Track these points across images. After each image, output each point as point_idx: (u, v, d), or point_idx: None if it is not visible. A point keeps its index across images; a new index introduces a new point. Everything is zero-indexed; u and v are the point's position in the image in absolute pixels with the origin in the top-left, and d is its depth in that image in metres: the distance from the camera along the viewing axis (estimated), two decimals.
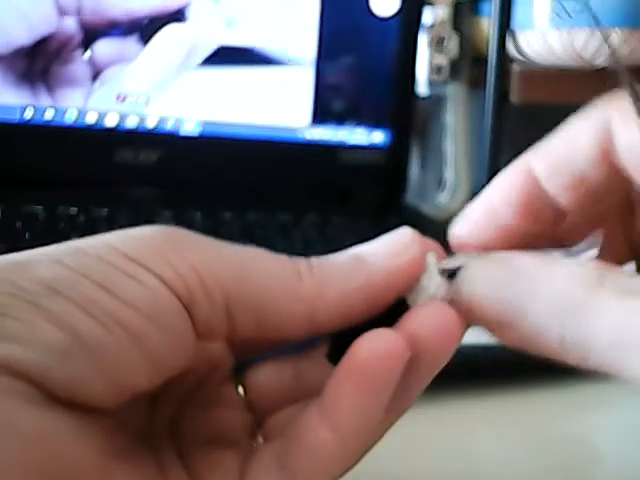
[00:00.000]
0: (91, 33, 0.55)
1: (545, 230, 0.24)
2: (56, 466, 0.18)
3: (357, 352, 0.21)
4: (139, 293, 0.19)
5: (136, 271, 0.19)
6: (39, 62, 0.54)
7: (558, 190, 0.23)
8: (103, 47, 0.55)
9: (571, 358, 0.21)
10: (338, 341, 0.22)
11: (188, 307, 0.20)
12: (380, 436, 0.23)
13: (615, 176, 0.23)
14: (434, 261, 0.23)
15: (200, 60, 0.57)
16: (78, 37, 0.55)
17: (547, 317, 0.20)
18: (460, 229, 0.25)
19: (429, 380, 0.23)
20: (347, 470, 0.22)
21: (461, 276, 0.22)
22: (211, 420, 0.23)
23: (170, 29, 0.56)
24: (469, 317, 0.22)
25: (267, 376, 0.24)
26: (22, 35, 0.53)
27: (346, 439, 0.21)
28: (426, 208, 0.67)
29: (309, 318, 0.21)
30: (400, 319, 0.22)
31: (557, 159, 0.23)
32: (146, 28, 0.56)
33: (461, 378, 0.38)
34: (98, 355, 0.18)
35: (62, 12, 0.54)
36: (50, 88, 0.55)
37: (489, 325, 0.22)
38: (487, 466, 0.33)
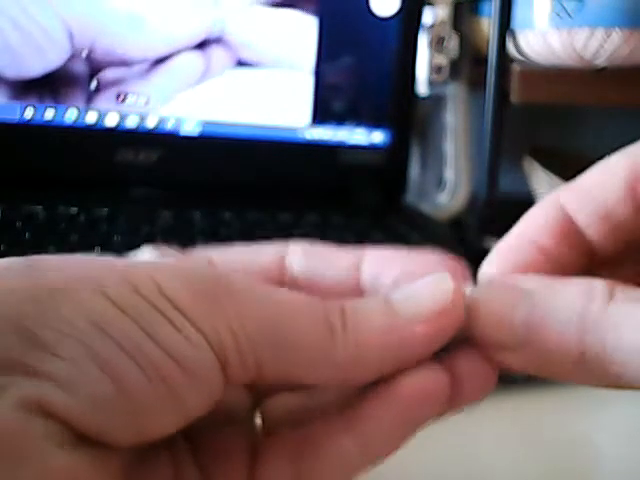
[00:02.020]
0: (100, 68, 0.55)
1: (578, 262, 0.24)
2: None
3: (402, 383, 0.21)
4: (183, 348, 0.19)
5: (181, 324, 0.19)
6: (46, 84, 0.55)
7: (588, 223, 0.24)
8: (110, 74, 0.56)
9: (590, 374, 0.21)
10: None
11: (222, 366, 0.20)
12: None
13: None
14: None
15: (215, 78, 0.57)
16: (86, 71, 0.55)
17: (564, 335, 0.20)
18: (491, 266, 0.24)
19: (460, 410, 0.23)
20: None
21: (468, 296, 0.22)
22: None
23: (185, 57, 0.57)
24: (478, 340, 0.22)
25: None
26: (35, 68, 0.54)
27: (367, 452, 0.21)
28: (426, 208, 0.67)
29: (340, 379, 0.21)
30: (441, 354, 0.22)
31: (587, 192, 0.23)
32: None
33: None
34: (137, 407, 0.18)
35: (75, 50, 0.54)
36: (52, 93, 0.55)
37: (500, 348, 0.22)
38: (487, 466, 0.33)
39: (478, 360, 0.22)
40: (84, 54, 0.54)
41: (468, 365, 0.22)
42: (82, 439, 0.18)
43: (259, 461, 0.21)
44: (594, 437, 0.38)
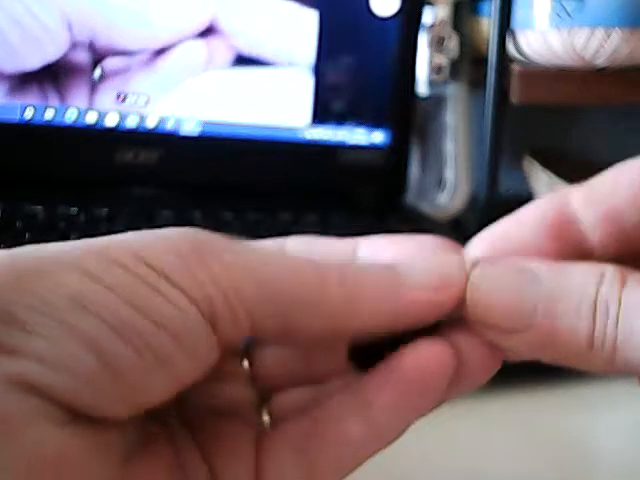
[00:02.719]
0: (102, 57, 0.55)
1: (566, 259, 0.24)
2: None
3: (406, 358, 0.20)
4: (169, 313, 0.19)
5: (165, 289, 0.19)
6: (46, 76, 0.55)
7: (592, 222, 0.23)
8: (112, 63, 0.56)
9: (598, 359, 0.20)
10: (366, 351, 0.22)
11: (212, 325, 0.19)
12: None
13: None
14: None
15: (219, 69, 0.57)
16: (88, 61, 0.55)
17: (574, 318, 0.20)
18: (478, 246, 0.24)
19: (467, 392, 0.22)
20: (360, 465, 0.22)
21: (473, 276, 0.21)
22: (217, 394, 0.23)
23: (187, 46, 0.57)
24: (482, 322, 0.21)
25: (275, 354, 0.23)
26: (33, 61, 0.54)
27: (376, 436, 0.21)
28: (426, 208, 0.67)
29: (334, 331, 0.21)
30: (443, 329, 0.21)
31: (598, 191, 0.23)
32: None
33: None
34: (125, 377, 0.18)
35: (74, 41, 0.54)
36: (55, 87, 0.55)
37: (505, 331, 0.21)
38: (487, 466, 0.33)
39: (482, 339, 0.21)
40: (85, 44, 0.54)
41: (472, 343, 0.21)
42: (73, 416, 0.18)
43: (265, 453, 0.21)
44: (594, 437, 0.38)
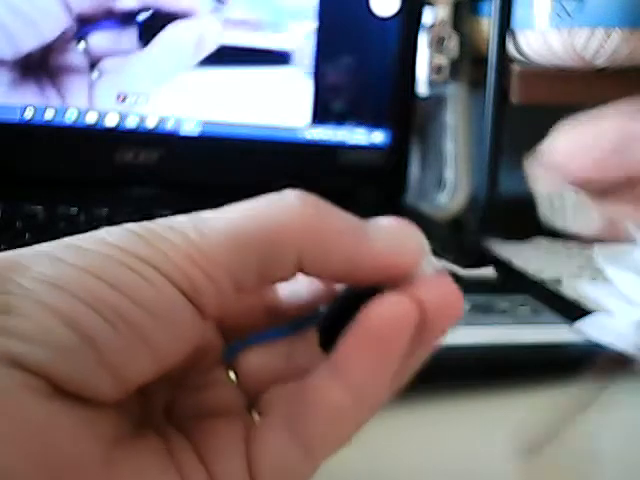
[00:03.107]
0: (87, 23, 0.55)
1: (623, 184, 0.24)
2: (60, 458, 0.18)
3: (372, 314, 0.21)
4: (144, 290, 0.19)
5: (139, 266, 0.19)
6: (38, 55, 0.54)
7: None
8: (98, 39, 0.56)
9: None
10: (328, 328, 0.23)
11: (192, 298, 0.20)
12: (386, 401, 0.23)
13: None
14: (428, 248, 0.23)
15: (208, 54, 0.57)
16: (74, 29, 0.55)
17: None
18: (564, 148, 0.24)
19: (433, 347, 0.23)
20: (355, 433, 0.22)
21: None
22: (206, 400, 0.23)
23: (176, 26, 0.56)
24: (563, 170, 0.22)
25: (258, 359, 0.24)
26: (30, 41, 0.54)
27: (358, 399, 0.21)
28: (426, 208, 0.67)
29: (301, 266, 0.21)
30: (404, 286, 0.22)
31: None
32: (145, 26, 0.56)
33: (460, 379, 0.38)
34: (103, 351, 0.18)
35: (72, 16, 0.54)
36: (52, 80, 0.55)
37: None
38: (486, 466, 0.33)
39: (440, 286, 0.22)
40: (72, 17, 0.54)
41: (431, 293, 0.22)
42: (61, 393, 0.18)
43: (256, 442, 0.21)
44: (594, 437, 0.38)
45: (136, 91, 0.57)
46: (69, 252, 0.19)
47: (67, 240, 0.20)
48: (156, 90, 0.57)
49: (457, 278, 0.22)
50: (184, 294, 0.20)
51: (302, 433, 0.21)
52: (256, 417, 0.23)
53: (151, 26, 0.56)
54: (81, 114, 0.56)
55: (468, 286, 0.24)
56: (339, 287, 0.24)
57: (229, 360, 0.24)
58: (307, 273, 0.22)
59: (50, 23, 0.54)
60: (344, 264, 0.21)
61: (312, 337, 0.24)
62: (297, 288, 0.25)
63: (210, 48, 0.57)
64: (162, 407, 0.23)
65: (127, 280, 0.19)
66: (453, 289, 0.22)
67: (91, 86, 0.56)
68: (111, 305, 0.19)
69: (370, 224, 0.22)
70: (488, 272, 0.24)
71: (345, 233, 0.22)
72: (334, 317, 0.23)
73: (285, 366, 0.24)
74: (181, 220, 0.21)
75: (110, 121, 0.57)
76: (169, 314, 0.19)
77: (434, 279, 0.22)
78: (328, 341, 0.22)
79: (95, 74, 0.56)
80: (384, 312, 0.21)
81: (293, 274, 0.22)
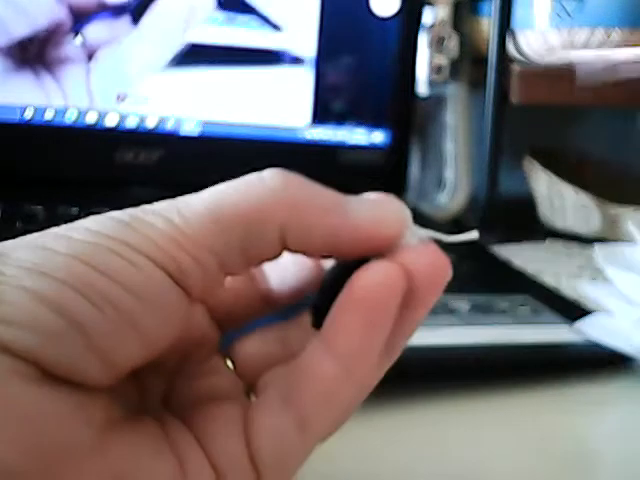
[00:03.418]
0: (81, 16, 0.55)
1: None
2: (50, 442, 0.18)
3: (358, 282, 0.21)
4: (132, 275, 0.19)
5: (127, 252, 0.19)
6: (34, 47, 0.54)
7: None
8: (94, 31, 0.56)
9: None
10: (319, 307, 0.23)
11: (178, 280, 0.20)
12: (378, 379, 0.23)
13: None
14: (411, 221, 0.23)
15: (200, 22, 0.57)
16: (69, 23, 0.55)
17: None
18: None
19: (421, 318, 0.23)
20: (350, 413, 0.22)
21: None
22: (204, 387, 0.23)
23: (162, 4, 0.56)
24: None
25: (254, 346, 0.24)
26: (21, 28, 0.54)
27: (349, 369, 0.21)
28: (426, 208, 0.67)
29: (284, 239, 0.21)
30: (391, 255, 0.22)
31: None
32: (137, 7, 0.56)
33: (460, 379, 0.38)
34: (91, 335, 0.18)
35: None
36: (50, 71, 0.55)
37: None
38: (486, 466, 0.33)
39: (426, 253, 0.22)
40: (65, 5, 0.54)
41: (416, 258, 0.22)
42: (50, 378, 0.18)
43: (254, 420, 0.21)
44: (594, 437, 0.38)
45: (132, 72, 0.57)
46: (56, 241, 0.20)
47: (54, 230, 0.20)
48: (153, 79, 0.57)
49: (442, 245, 0.22)
50: (171, 277, 0.20)
51: (296, 407, 0.21)
52: (254, 399, 0.23)
53: (142, 5, 0.56)
54: (81, 114, 0.56)
55: (451, 251, 0.24)
56: (327, 265, 0.24)
57: (225, 349, 0.24)
58: (291, 250, 0.22)
59: (42, 11, 0.54)
60: (327, 238, 0.21)
61: (306, 321, 0.24)
62: (288, 276, 0.25)
63: (201, 20, 0.57)
64: (160, 397, 0.23)
65: (116, 266, 0.19)
66: (439, 255, 0.22)
67: (88, 72, 0.56)
68: (100, 290, 0.19)
69: (351, 198, 0.22)
70: (472, 235, 0.24)
71: (326, 207, 0.22)
72: (324, 295, 0.23)
73: (281, 351, 0.24)
74: (164, 205, 0.21)
75: (110, 121, 0.57)
76: (157, 298, 0.20)
77: (419, 247, 0.22)
78: (320, 320, 0.22)
79: (92, 63, 0.56)
80: (369, 278, 0.21)
81: (278, 252, 0.22)
